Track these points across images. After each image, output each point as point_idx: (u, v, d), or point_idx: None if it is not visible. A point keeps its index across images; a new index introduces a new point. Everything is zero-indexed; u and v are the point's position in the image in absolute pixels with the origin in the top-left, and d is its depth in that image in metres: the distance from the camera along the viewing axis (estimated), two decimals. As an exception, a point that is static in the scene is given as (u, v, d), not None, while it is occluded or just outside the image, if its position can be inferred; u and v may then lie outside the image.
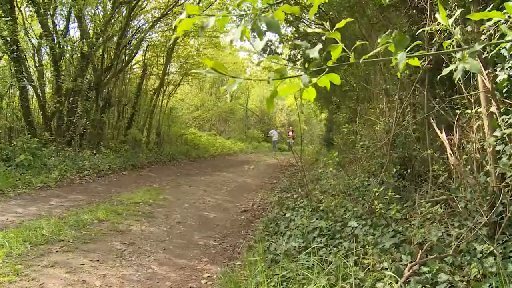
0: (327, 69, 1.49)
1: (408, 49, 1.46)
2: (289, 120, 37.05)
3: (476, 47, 1.37)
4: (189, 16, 1.40)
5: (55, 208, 6.88)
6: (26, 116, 11.85)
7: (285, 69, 1.47)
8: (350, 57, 1.53)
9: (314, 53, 1.42)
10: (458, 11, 1.75)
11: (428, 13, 5.15)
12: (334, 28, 1.56)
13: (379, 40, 1.51)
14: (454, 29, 1.65)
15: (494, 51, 3.71)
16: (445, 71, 1.54)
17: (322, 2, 1.53)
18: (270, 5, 1.43)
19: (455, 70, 1.40)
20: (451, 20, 1.57)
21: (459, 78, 4.29)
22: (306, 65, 1.45)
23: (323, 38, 1.65)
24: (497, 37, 3.56)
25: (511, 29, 1.51)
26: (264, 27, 1.37)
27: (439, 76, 1.87)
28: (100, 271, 4.35)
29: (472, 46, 1.38)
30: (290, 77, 1.49)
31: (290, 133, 28.37)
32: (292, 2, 11.46)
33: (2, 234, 5.07)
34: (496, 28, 3.64)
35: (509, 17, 1.56)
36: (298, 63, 1.49)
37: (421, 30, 2.11)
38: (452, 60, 4.36)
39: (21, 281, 3.93)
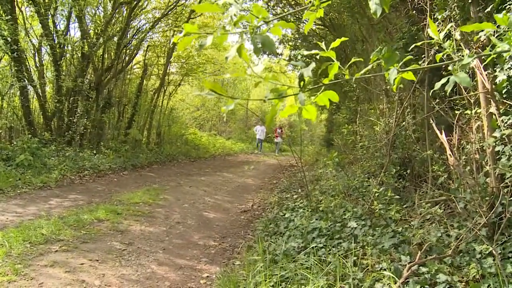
0: (323, 87, 1.50)
1: (399, 64, 1.47)
2: (289, 120, 37.01)
3: (466, 60, 1.39)
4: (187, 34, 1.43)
5: (55, 208, 6.88)
6: (27, 116, 11.85)
7: (283, 89, 1.48)
8: (345, 74, 1.55)
9: (307, 72, 1.43)
10: (449, 25, 1.77)
11: (427, 14, 5.16)
12: (329, 48, 1.58)
13: (371, 56, 1.52)
14: (454, 31, 1.66)
15: (489, 59, 3.71)
16: (437, 85, 1.57)
17: (318, 17, 1.55)
18: (266, 22, 1.44)
19: (447, 83, 1.42)
20: (442, 34, 1.59)
21: (451, 89, 4.29)
22: (302, 84, 1.46)
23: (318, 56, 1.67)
24: (488, 48, 3.57)
25: (501, 40, 1.54)
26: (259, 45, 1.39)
27: (431, 91, 1.90)
28: (100, 271, 4.36)
29: (462, 59, 1.40)
30: (287, 96, 1.50)
31: (278, 130, 24.53)
32: (293, 3, 11.47)
33: (2, 234, 5.07)
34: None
35: (498, 27, 1.59)
36: (295, 82, 1.51)
37: (418, 44, 2.12)
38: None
39: (20, 280, 3.94)
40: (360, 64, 8.15)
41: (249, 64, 1.50)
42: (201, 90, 26.50)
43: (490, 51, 1.55)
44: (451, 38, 1.67)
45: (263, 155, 22.46)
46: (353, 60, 1.80)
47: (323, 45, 1.64)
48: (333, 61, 1.56)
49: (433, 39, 4.62)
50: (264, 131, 24.64)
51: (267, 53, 17.83)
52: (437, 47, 4.94)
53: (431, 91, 1.83)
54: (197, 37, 1.44)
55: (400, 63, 1.47)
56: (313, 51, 1.75)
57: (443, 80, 1.47)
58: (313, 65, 1.46)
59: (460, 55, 1.53)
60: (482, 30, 1.60)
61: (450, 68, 1.45)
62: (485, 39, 3.82)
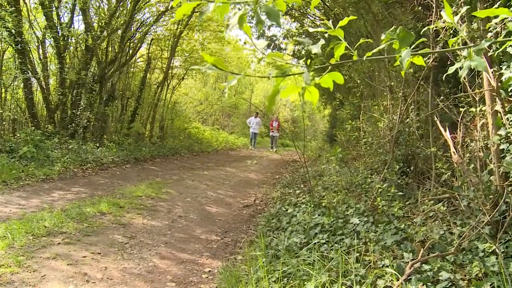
0: (330, 67, 1.46)
1: (413, 47, 1.43)
2: (292, 115, 36.99)
3: (482, 44, 1.34)
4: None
5: (58, 201, 6.90)
6: (30, 108, 11.87)
7: (287, 67, 1.44)
8: (353, 55, 1.51)
9: (316, 48, 1.39)
10: (464, 9, 1.72)
11: (434, 10, 5.12)
12: (337, 26, 1.53)
13: (383, 37, 1.48)
14: (460, 26, 1.62)
15: (500, 50, 3.68)
16: (451, 69, 1.51)
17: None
18: None
19: (461, 68, 1.38)
20: (456, 18, 1.55)
21: (464, 76, 4.27)
22: (308, 62, 1.42)
23: (327, 35, 1.62)
24: (503, 35, 3.53)
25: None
26: (264, 16, 1.34)
27: (444, 75, 1.84)
28: (102, 264, 4.37)
29: (478, 44, 1.36)
30: (291, 74, 1.46)
31: (274, 123, 21.43)
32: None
33: (5, 226, 5.09)
34: (502, 25, 3.61)
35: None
36: (301, 61, 1.46)
37: (426, 28, 2.08)
38: (457, 58, 4.34)
39: (23, 272, 3.95)
40: (367, 49, 8.07)
41: (251, 37, 1.46)
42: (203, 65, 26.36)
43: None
44: (457, 36, 1.63)
45: (267, 151, 21.64)
46: (361, 41, 1.75)
47: (329, 23, 1.60)
48: (340, 40, 1.52)
49: (439, 35, 4.56)
50: (259, 124, 22.09)
51: (271, 47, 17.81)
52: (442, 43, 4.92)
53: (444, 75, 1.78)
54: (197, 4, 1.39)
55: (413, 45, 1.43)
56: (319, 29, 1.69)
57: (458, 64, 1.43)
58: (322, 41, 1.42)
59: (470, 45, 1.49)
60: (495, 17, 1.52)
61: (464, 53, 1.41)
62: (492, 35, 3.79)
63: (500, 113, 3.93)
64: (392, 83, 7.52)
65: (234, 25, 1.34)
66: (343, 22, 1.55)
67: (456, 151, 4.55)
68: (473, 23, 4.26)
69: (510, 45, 3.70)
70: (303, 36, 16.01)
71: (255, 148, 22.36)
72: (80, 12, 13.29)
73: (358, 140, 9.74)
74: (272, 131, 21.81)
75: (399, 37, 1.40)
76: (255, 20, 1.35)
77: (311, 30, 1.86)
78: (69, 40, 13.11)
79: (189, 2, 1.40)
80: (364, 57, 1.46)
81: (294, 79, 1.64)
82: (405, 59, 1.34)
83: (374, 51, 1.47)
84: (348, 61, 1.57)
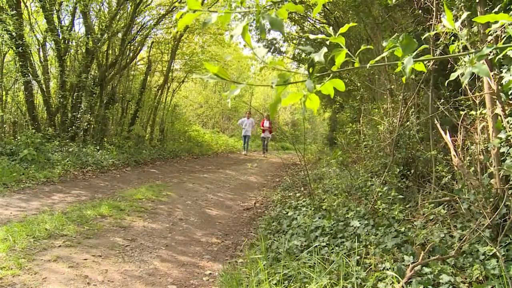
0: (331, 74, 1.48)
1: (414, 53, 1.44)
2: (292, 118, 37.00)
3: (484, 50, 1.35)
4: (191, 11, 1.39)
5: (58, 203, 6.90)
6: (31, 111, 11.88)
7: (289, 75, 1.46)
8: (355, 62, 1.52)
9: (319, 56, 1.40)
10: (465, 14, 1.73)
11: (434, 14, 5.14)
12: (338, 33, 1.54)
13: (384, 44, 1.50)
14: (460, 31, 1.63)
15: (501, 55, 3.70)
16: (453, 76, 1.53)
17: (327, 1, 1.53)
18: (274, 3, 1.42)
19: (462, 74, 1.39)
20: (457, 24, 1.56)
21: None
22: (310, 70, 1.43)
23: (328, 42, 1.64)
24: (503, 39, 3.55)
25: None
26: (267, 25, 1.36)
27: (447, 81, 1.84)
28: (102, 267, 4.37)
29: (480, 50, 1.37)
30: (293, 82, 1.48)
31: (266, 123, 19.65)
32: (297, 0, 11.43)
33: (6, 228, 5.09)
34: (502, 29, 3.63)
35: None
36: (302, 68, 1.48)
37: (427, 34, 2.09)
38: (457, 61, 4.36)
39: (24, 274, 3.95)
40: (367, 52, 8.10)
41: (251, 46, 1.47)
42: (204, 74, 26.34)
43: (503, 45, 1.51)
44: (456, 40, 1.64)
45: (268, 153, 20.53)
46: (363, 47, 1.76)
47: (330, 29, 1.61)
48: (341, 48, 1.53)
49: (439, 38, 4.57)
50: (252, 125, 19.85)
51: (271, 50, 17.86)
52: (442, 47, 4.94)
53: (447, 81, 1.79)
54: (199, 15, 1.40)
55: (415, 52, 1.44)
56: (320, 35, 1.71)
57: (460, 71, 1.44)
58: (324, 49, 1.43)
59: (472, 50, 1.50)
60: (495, 22, 1.53)
61: (466, 59, 1.42)
62: (492, 39, 3.81)
63: (500, 116, 3.94)
64: (392, 86, 7.54)
65: (237, 35, 1.35)
66: (344, 29, 1.57)
67: (457, 154, 4.56)
68: (473, 26, 4.28)
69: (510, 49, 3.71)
70: (303, 40, 16.06)
71: (247, 152, 20.58)
72: (81, 15, 13.33)
73: (358, 143, 9.76)
74: (264, 132, 19.87)
75: (402, 44, 1.41)
76: (258, 29, 1.36)
77: (311, 37, 1.87)
78: (70, 43, 13.15)
79: (191, 12, 1.40)
80: (368, 65, 1.48)
81: (295, 84, 1.65)
82: (407, 65, 1.35)
83: (377, 59, 1.49)
84: (349, 69, 1.59)
